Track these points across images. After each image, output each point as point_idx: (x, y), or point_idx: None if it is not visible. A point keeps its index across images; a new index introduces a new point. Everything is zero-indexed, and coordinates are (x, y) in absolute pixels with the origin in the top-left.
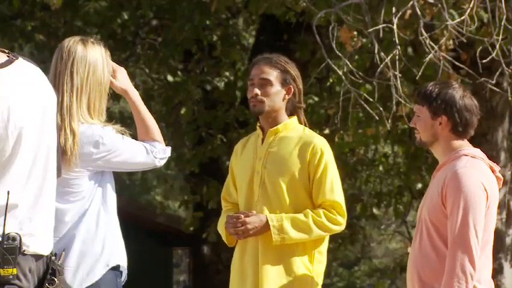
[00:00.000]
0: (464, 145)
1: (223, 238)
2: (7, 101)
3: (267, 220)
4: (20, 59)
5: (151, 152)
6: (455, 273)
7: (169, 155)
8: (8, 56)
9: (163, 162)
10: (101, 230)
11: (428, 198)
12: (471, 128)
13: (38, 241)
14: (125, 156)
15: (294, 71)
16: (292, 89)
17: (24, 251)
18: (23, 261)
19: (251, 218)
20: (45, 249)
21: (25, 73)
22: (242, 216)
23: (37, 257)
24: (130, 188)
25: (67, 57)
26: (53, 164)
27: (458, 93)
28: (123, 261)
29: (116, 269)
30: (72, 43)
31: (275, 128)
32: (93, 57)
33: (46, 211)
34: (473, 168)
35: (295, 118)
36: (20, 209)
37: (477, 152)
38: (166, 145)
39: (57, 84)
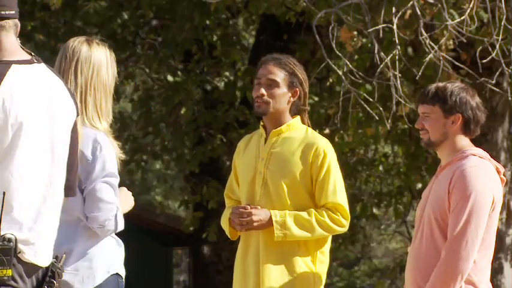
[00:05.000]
0: (469, 145)
1: (226, 231)
2: (11, 93)
3: (271, 215)
4: (43, 65)
5: (111, 218)
6: (448, 269)
7: (112, 228)
8: (31, 58)
9: (107, 228)
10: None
11: (432, 197)
12: (479, 125)
13: (36, 251)
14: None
15: (301, 74)
16: (298, 92)
17: (19, 252)
18: (19, 264)
19: (257, 211)
20: (43, 261)
21: (39, 76)
22: (249, 207)
23: (34, 266)
24: (130, 188)
25: (71, 57)
26: (61, 178)
27: (468, 91)
28: (122, 271)
29: (116, 274)
30: (77, 43)
31: (278, 128)
32: (97, 58)
33: (48, 221)
34: (482, 168)
35: (298, 118)
36: (17, 211)
37: (483, 152)
38: (165, 145)
39: None
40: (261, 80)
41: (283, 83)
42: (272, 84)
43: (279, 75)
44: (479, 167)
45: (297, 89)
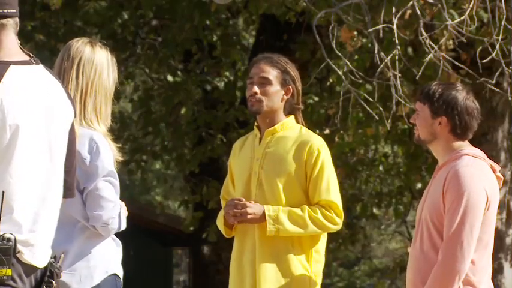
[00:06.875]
0: (464, 145)
1: (221, 229)
2: (9, 94)
3: (264, 210)
4: (41, 66)
5: (114, 217)
6: (445, 271)
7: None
8: (29, 59)
9: (111, 226)
10: (98, 235)
11: (429, 199)
12: (470, 131)
13: (34, 252)
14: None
15: (293, 72)
16: (291, 90)
17: (18, 252)
18: (18, 264)
19: (252, 204)
20: (41, 262)
21: (37, 77)
22: (243, 199)
23: (32, 267)
24: (130, 188)
25: (74, 57)
26: (59, 178)
27: (461, 95)
28: (119, 271)
29: (114, 274)
30: (81, 44)
31: (272, 128)
32: (99, 60)
33: (47, 222)
34: (475, 168)
35: (292, 117)
36: (16, 212)
37: (478, 151)
38: (165, 145)
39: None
40: (253, 79)
41: (276, 80)
42: (265, 83)
43: (271, 73)
44: (472, 167)
45: (290, 86)
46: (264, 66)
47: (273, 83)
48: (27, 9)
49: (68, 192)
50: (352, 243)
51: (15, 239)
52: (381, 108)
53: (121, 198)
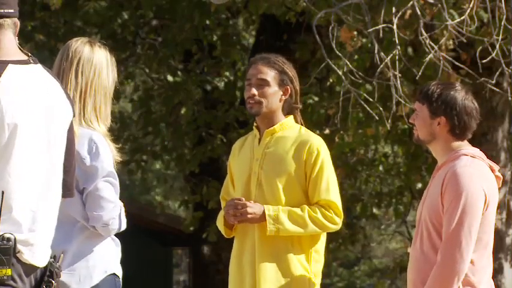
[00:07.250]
0: (463, 145)
1: (221, 229)
2: (8, 93)
3: (264, 210)
4: (39, 65)
5: (115, 217)
6: (444, 271)
7: (116, 227)
8: (27, 58)
9: (112, 227)
10: (97, 234)
11: (428, 199)
12: (469, 131)
13: (34, 252)
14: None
15: (291, 71)
16: (289, 90)
17: (18, 251)
18: (18, 263)
19: (252, 204)
20: (41, 262)
21: (36, 76)
22: (243, 199)
23: (32, 266)
24: (130, 188)
25: (73, 57)
26: (58, 178)
27: (460, 95)
28: (119, 271)
29: (113, 274)
30: (80, 43)
31: (272, 128)
32: (99, 60)
33: (46, 222)
34: (473, 168)
35: (291, 117)
36: (16, 211)
37: (476, 151)
38: (165, 145)
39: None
40: (251, 81)
41: (274, 81)
42: (263, 84)
43: (269, 74)
44: (470, 167)
45: (288, 86)
46: (261, 67)
47: (271, 84)
48: (27, 9)
49: (67, 191)
50: (352, 243)
51: (15, 238)
52: (381, 108)
53: (121, 198)
